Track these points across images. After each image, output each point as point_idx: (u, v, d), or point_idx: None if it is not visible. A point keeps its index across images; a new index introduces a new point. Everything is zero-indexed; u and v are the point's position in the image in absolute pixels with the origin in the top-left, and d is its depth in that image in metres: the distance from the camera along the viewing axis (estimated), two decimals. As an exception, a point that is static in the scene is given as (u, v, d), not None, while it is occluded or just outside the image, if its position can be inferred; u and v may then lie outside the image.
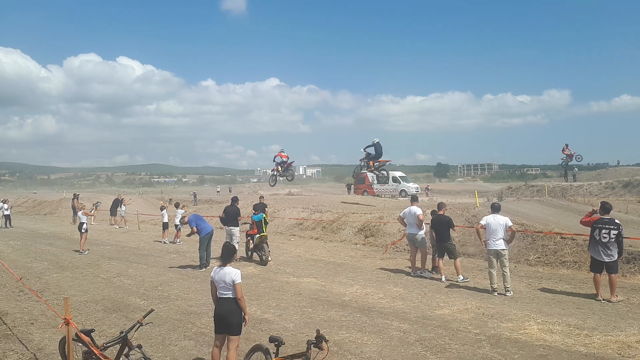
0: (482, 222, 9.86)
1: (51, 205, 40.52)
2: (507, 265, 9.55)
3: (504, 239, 9.56)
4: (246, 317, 5.62)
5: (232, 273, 5.51)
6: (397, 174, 42.21)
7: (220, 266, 5.64)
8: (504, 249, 9.53)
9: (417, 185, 42.64)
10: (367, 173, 43.14)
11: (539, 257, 12.68)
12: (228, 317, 5.49)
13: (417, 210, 11.68)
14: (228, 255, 5.67)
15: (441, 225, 11.07)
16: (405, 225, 11.97)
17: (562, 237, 13.12)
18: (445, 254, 11.10)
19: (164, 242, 18.61)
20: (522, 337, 7.01)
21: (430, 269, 11.69)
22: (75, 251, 16.31)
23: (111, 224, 26.78)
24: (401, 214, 12.16)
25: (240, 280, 5.51)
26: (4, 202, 28.61)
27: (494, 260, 9.62)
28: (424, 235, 11.62)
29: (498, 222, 9.63)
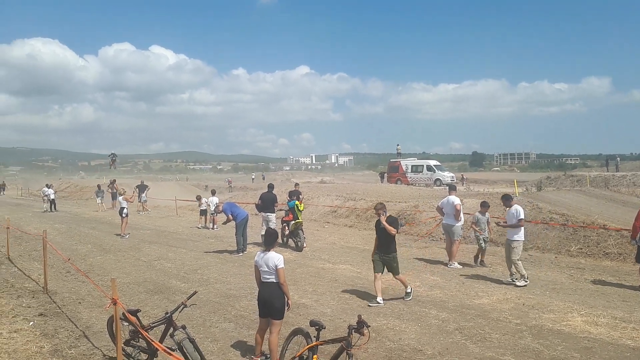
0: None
1: (92, 190, 41.84)
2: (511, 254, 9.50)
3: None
4: (289, 301, 5.67)
5: (275, 258, 5.57)
6: (432, 162, 41.63)
7: (264, 251, 5.71)
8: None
9: (453, 174, 41.96)
10: (401, 161, 42.89)
11: (581, 248, 12.35)
12: (271, 301, 5.57)
13: (454, 199, 11.48)
14: (271, 240, 5.75)
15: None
16: (442, 214, 11.81)
17: (605, 228, 12.72)
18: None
19: (202, 228, 19.00)
20: (565, 328, 6.87)
21: (475, 262, 11.39)
22: (117, 235, 16.82)
23: (138, 211, 27.02)
24: (439, 204, 12.02)
25: (282, 265, 5.56)
26: (49, 186, 29.71)
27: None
28: (457, 226, 11.36)
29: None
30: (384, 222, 8.18)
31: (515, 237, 9.45)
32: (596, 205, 19.39)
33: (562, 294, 8.75)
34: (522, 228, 9.57)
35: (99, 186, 31.23)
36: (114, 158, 53.44)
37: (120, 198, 17.55)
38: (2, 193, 50.10)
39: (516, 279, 9.33)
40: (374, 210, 8.56)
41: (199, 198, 20.87)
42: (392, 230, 8.15)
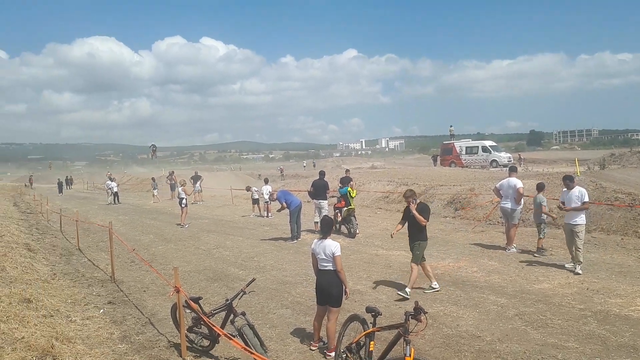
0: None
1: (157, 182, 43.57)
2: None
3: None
4: (346, 289, 5.70)
5: (331, 245, 5.61)
6: (487, 143, 40.29)
7: (320, 239, 5.77)
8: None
9: (510, 155, 40.47)
10: (455, 143, 41.81)
11: (651, 230, 11.66)
12: (328, 288, 5.64)
13: (516, 182, 10.89)
14: (327, 228, 5.81)
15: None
16: (500, 197, 11.35)
17: (678, 208, 11.94)
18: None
19: (255, 216, 19.40)
20: (633, 314, 6.56)
21: (535, 251, 10.60)
22: (177, 225, 17.47)
23: (193, 202, 27.69)
24: (497, 185, 11.53)
25: (339, 253, 5.59)
26: (112, 179, 31.22)
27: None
28: (518, 210, 10.91)
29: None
30: (414, 211, 7.81)
31: (579, 221, 8.96)
32: (667, 183, 18.22)
33: (630, 277, 8.33)
34: (584, 211, 9.10)
35: (153, 179, 32.34)
36: (154, 149, 55.46)
37: (180, 189, 18.13)
38: (69, 187, 53.09)
39: (578, 266, 8.83)
40: (404, 197, 8.20)
41: (248, 188, 21.17)
42: (423, 221, 7.77)
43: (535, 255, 10.26)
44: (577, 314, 6.68)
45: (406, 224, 8.16)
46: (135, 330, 6.86)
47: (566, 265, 9.12)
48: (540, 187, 10.91)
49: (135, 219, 20.32)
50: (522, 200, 10.96)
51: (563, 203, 9.27)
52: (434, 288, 7.98)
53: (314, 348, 5.95)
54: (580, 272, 8.66)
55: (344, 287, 5.66)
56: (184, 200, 17.62)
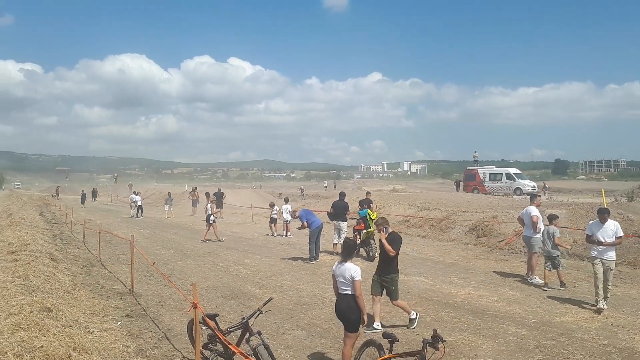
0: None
1: (175, 197, 44.14)
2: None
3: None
4: (364, 316, 5.54)
5: (352, 269, 5.53)
6: (512, 170, 39.86)
7: (341, 262, 5.71)
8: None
9: (534, 183, 39.94)
10: (478, 169, 41.46)
11: (681, 266, 11.29)
12: (346, 313, 5.55)
13: (532, 210, 10.87)
14: (349, 251, 5.77)
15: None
16: (523, 226, 11.25)
17: None
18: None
19: (272, 235, 19.39)
20: (595, 310, 6.31)
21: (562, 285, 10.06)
22: (207, 240, 17.58)
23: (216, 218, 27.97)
24: (520, 214, 11.48)
25: (359, 278, 5.50)
26: (137, 193, 31.74)
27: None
28: (536, 238, 10.67)
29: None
30: (384, 240, 7.32)
31: (614, 256, 8.50)
32: (698, 218, 17.66)
33: (658, 314, 8.06)
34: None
35: (169, 194, 32.57)
36: (116, 176, 57.58)
37: (208, 205, 18.57)
38: (94, 199, 54.11)
39: (605, 301, 8.33)
40: (375, 225, 7.79)
41: (272, 205, 21.24)
42: (391, 251, 7.25)
43: (561, 289, 9.88)
44: (600, 349, 6.47)
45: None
46: (151, 344, 6.88)
47: (602, 306, 8.27)
48: (551, 218, 10.56)
49: (156, 233, 20.55)
50: (541, 227, 10.75)
51: (589, 236, 8.63)
52: (376, 329, 7.25)
53: None
54: (605, 306, 8.26)
55: (362, 313, 5.53)
56: (211, 217, 17.95)
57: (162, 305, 9.01)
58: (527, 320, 7.83)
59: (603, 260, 8.40)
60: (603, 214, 8.59)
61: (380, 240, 7.48)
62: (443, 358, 4.87)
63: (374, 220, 7.76)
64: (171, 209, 29.82)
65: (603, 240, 8.40)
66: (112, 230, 20.45)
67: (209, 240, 17.60)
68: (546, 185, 49.64)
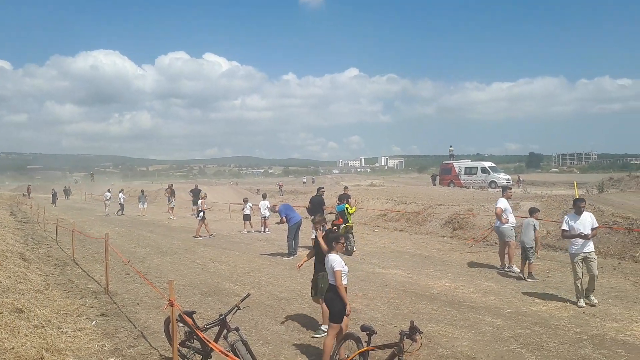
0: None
1: (150, 195, 43.53)
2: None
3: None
4: (347, 306, 5.54)
5: (332, 260, 5.65)
6: (486, 164, 40.49)
7: (325, 253, 5.86)
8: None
9: (508, 176, 40.64)
10: (454, 163, 41.98)
11: (649, 254, 11.63)
12: (330, 303, 5.64)
13: (498, 202, 11.20)
14: (330, 242, 5.85)
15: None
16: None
17: (676, 233, 11.93)
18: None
19: (247, 232, 19.12)
20: (629, 338, 6.50)
21: (527, 274, 10.19)
22: (198, 236, 17.62)
23: (192, 214, 27.67)
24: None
25: (339, 268, 5.57)
26: (121, 191, 31.46)
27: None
28: (505, 227, 10.85)
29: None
30: (321, 239, 6.87)
31: (593, 248, 8.33)
32: (665, 208, 18.23)
33: (626, 301, 8.29)
34: None
35: (142, 191, 32.09)
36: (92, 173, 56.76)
37: (199, 201, 18.89)
38: (67, 197, 52.99)
39: (593, 295, 8.21)
40: (312, 223, 7.63)
41: (245, 201, 20.88)
42: (325, 247, 6.65)
43: (529, 280, 10.00)
44: (573, 337, 6.62)
45: None
46: (127, 343, 6.78)
47: (593, 302, 8.16)
48: (532, 212, 10.57)
49: (131, 231, 20.24)
50: (511, 218, 10.95)
51: (566, 231, 8.37)
52: (325, 332, 6.63)
53: None
54: (597, 301, 8.13)
55: (345, 304, 5.55)
56: (201, 213, 18.04)
57: (138, 304, 8.88)
58: (502, 310, 7.96)
59: (584, 254, 8.16)
60: (580, 203, 8.38)
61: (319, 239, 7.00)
62: (420, 349, 4.92)
63: (313, 219, 7.50)
64: (145, 206, 29.36)
65: (585, 233, 8.12)
66: (86, 228, 20.07)
67: (201, 236, 17.61)
68: (520, 178, 50.57)
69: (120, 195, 30.72)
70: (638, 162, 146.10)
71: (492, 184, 36.87)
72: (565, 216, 8.69)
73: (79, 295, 9.31)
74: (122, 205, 29.91)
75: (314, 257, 7.16)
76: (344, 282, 5.66)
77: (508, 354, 6.10)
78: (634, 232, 12.56)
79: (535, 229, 10.21)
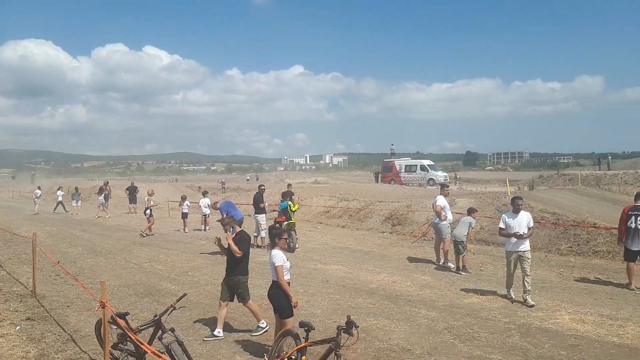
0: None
1: (84, 192, 41.62)
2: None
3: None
4: (292, 300, 5.63)
5: (273, 256, 5.70)
6: (425, 162, 41.76)
7: (270, 250, 5.87)
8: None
9: (446, 174, 42.13)
10: (395, 161, 42.98)
11: (571, 247, 12.43)
12: (275, 298, 5.68)
13: (437, 199, 11.46)
14: (272, 238, 5.91)
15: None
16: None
17: (595, 227, 12.81)
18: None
19: (185, 232, 18.58)
20: (552, 326, 6.91)
21: (459, 268, 10.65)
22: (145, 234, 17.29)
23: (130, 212, 26.71)
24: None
25: (280, 263, 5.63)
26: (59, 188, 29.95)
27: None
28: (443, 224, 11.20)
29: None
30: (230, 241, 6.68)
31: (528, 247, 8.36)
32: (587, 204, 19.50)
33: (551, 292, 8.80)
34: None
35: (76, 188, 30.52)
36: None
37: (146, 198, 18.50)
38: (-7, 196, 49.67)
39: (529, 296, 8.11)
40: (221, 224, 7.32)
41: (183, 198, 20.19)
42: (237, 252, 6.62)
43: (462, 273, 10.43)
44: (502, 327, 6.96)
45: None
46: (55, 348, 6.46)
47: (529, 303, 7.98)
48: (471, 211, 11.12)
49: (63, 231, 19.27)
50: (448, 215, 11.29)
51: (502, 229, 8.36)
52: (217, 336, 6.76)
53: None
54: (533, 303, 7.97)
55: (289, 297, 5.61)
56: (148, 211, 17.68)
57: (68, 306, 8.48)
58: (437, 303, 8.24)
59: (519, 253, 8.18)
60: (518, 202, 8.39)
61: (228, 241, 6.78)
62: (357, 343, 5.00)
63: (222, 220, 7.29)
64: (79, 204, 28.05)
65: (521, 232, 8.15)
66: (13, 228, 18.89)
67: (145, 235, 17.22)
68: (457, 176, 52.51)
69: (59, 192, 29.12)
70: (566, 161, 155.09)
71: (431, 181, 38.07)
72: (503, 214, 8.63)
73: (2, 299, 8.78)
74: (60, 203, 28.36)
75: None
76: (287, 277, 5.70)
77: (442, 345, 6.32)
78: (560, 226, 13.36)
79: (471, 227, 10.72)
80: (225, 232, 6.94)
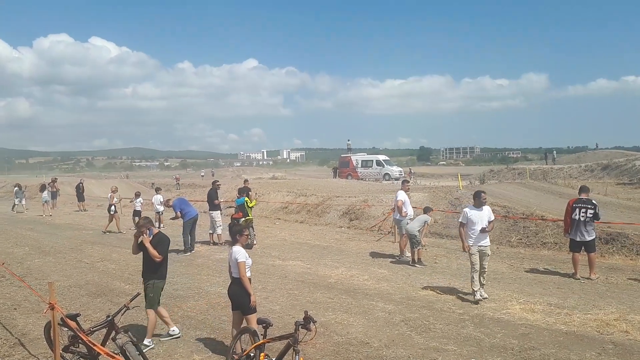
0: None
1: (30, 190, 39.79)
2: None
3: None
4: (251, 297, 5.54)
5: (235, 252, 5.61)
6: (381, 157, 42.39)
7: (230, 246, 5.78)
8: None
9: (401, 169, 42.88)
10: (352, 157, 43.38)
11: (521, 239, 12.92)
12: (237, 296, 5.59)
13: (398, 194, 11.62)
14: (232, 234, 5.80)
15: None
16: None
17: (543, 219, 13.36)
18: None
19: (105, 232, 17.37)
20: (504, 316, 7.16)
21: (414, 261, 10.85)
22: (109, 232, 17.01)
23: (79, 210, 25.80)
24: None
25: (242, 260, 5.57)
26: (16, 185, 27.86)
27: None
28: (404, 220, 11.36)
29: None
30: (148, 244, 6.27)
31: (489, 242, 8.22)
32: (535, 197, 20.33)
33: (503, 283, 9.12)
34: None
35: (19, 185, 28.06)
36: None
37: (109, 195, 18.33)
38: None
39: (483, 290, 7.99)
40: (136, 227, 6.70)
41: (137, 195, 19.37)
42: (157, 256, 6.25)
43: (417, 266, 10.65)
44: (456, 318, 7.16)
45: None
46: (1, 352, 6.19)
47: (477, 297, 7.84)
48: (427, 210, 11.48)
49: (8, 230, 18.38)
50: (408, 210, 11.48)
51: (464, 224, 8.10)
52: (172, 335, 6.64)
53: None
54: (486, 296, 7.94)
55: (249, 294, 5.55)
56: (111, 207, 17.27)
57: (15, 309, 8.11)
58: (394, 296, 8.39)
59: (480, 248, 8.00)
60: (482, 196, 8.13)
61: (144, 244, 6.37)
62: (315, 338, 5.03)
63: (137, 222, 6.60)
64: (23, 202, 26.42)
65: (483, 227, 7.97)
66: (-49, 228, 17.87)
67: (110, 232, 16.95)
68: (412, 171, 53.45)
69: (16, 189, 26.64)
70: (515, 156, 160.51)
71: (386, 176, 38.68)
72: (465, 209, 8.34)
73: (-58, 304, 8.29)
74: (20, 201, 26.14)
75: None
76: (248, 274, 5.63)
77: (399, 337, 6.44)
78: (510, 219, 13.86)
79: (426, 224, 11.04)
80: (141, 235, 6.35)
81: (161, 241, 6.41)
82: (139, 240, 6.35)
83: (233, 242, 5.79)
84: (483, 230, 7.98)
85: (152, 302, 6.36)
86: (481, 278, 8.03)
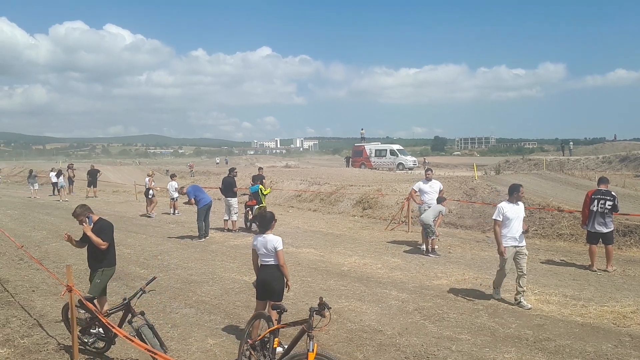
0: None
1: (47, 175, 40.40)
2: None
3: None
4: (288, 283, 5.63)
5: (273, 240, 5.55)
6: (395, 147, 42.16)
7: (260, 234, 5.68)
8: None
9: (415, 159, 42.67)
10: (365, 146, 43.21)
11: (536, 230, 12.78)
12: (271, 283, 5.56)
13: (415, 185, 11.56)
14: (266, 222, 5.70)
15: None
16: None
17: (559, 210, 13.20)
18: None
19: (149, 216, 17.92)
20: (518, 307, 7.10)
21: (428, 250, 10.80)
22: (143, 215, 17.73)
23: (88, 196, 25.46)
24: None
25: (282, 247, 5.56)
26: (52, 169, 28.11)
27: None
28: (418, 209, 11.42)
29: None
30: (89, 233, 5.98)
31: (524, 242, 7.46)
32: (552, 188, 20.04)
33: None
34: None
35: (31, 171, 28.61)
36: None
37: (147, 179, 18.78)
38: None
39: (524, 297, 7.21)
40: (73, 216, 6.22)
41: (150, 174, 19.43)
42: (102, 243, 5.96)
43: (431, 255, 10.60)
44: (470, 307, 7.12)
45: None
46: (20, 333, 6.29)
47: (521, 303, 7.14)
48: (440, 200, 11.19)
49: (26, 214, 18.69)
50: (422, 200, 11.41)
51: (498, 221, 7.28)
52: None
53: None
54: (530, 305, 7.10)
55: (285, 280, 5.59)
56: (150, 191, 18.01)
57: (33, 291, 8.25)
58: (407, 284, 8.37)
59: (518, 248, 7.27)
60: (519, 190, 7.37)
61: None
62: (329, 324, 5.04)
63: (73, 211, 6.16)
64: (35, 187, 26.57)
65: (523, 229, 7.37)
66: (-29, 212, 18.22)
67: (147, 215, 17.63)
68: (426, 161, 53.10)
69: (52, 174, 26.66)
70: (530, 147, 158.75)
71: (400, 165, 38.51)
72: (500, 204, 7.45)
73: (-37, 285, 8.47)
74: (55, 185, 26.16)
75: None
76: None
77: (412, 325, 6.43)
78: (526, 210, 13.65)
79: (441, 214, 11.00)
80: (80, 223, 6.04)
81: (103, 228, 6.10)
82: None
83: (266, 229, 5.67)
84: (525, 231, 7.35)
85: (97, 288, 6.00)
86: (520, 281, 7.17)
